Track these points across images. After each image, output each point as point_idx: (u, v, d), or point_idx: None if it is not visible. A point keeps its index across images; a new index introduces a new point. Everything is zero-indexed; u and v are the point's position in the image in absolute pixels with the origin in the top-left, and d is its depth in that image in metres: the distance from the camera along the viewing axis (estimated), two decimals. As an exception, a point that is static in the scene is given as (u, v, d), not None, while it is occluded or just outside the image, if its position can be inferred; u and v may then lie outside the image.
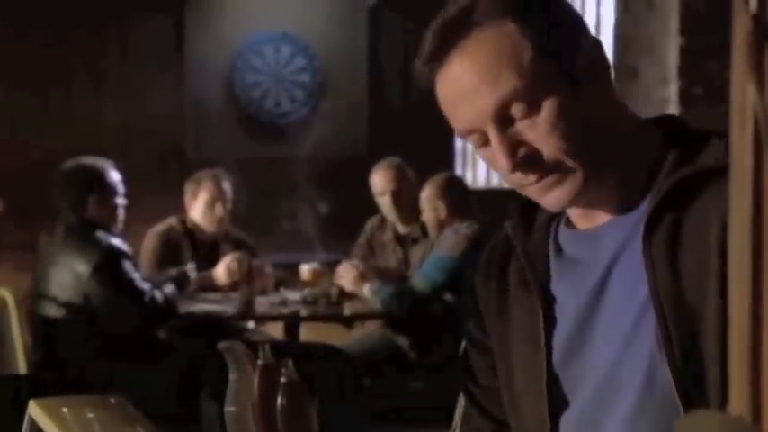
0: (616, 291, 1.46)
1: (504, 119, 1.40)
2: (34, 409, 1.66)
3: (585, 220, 1.51)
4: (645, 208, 1.43)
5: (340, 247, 6.01)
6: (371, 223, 5.39)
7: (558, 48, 1.41)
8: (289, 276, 5.40)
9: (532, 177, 1.42)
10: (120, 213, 4.65)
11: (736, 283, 0.74)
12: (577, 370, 1.50)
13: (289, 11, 6.86)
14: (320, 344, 5.03)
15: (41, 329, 4.57)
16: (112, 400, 1.70)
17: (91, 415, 1.62)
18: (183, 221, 5.29)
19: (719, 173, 1.33)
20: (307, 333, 5.37)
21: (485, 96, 1.40)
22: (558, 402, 1.52)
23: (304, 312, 4.92)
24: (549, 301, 1.53)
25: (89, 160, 4.67)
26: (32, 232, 4.97)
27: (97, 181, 4.57)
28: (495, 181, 7.15)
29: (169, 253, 5.17)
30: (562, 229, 1.55)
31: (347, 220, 6.57)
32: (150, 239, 5.21)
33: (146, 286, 4.53)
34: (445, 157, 7.00)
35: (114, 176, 4.64)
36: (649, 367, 1.41)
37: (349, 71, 6.92)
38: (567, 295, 1.52)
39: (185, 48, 6.65)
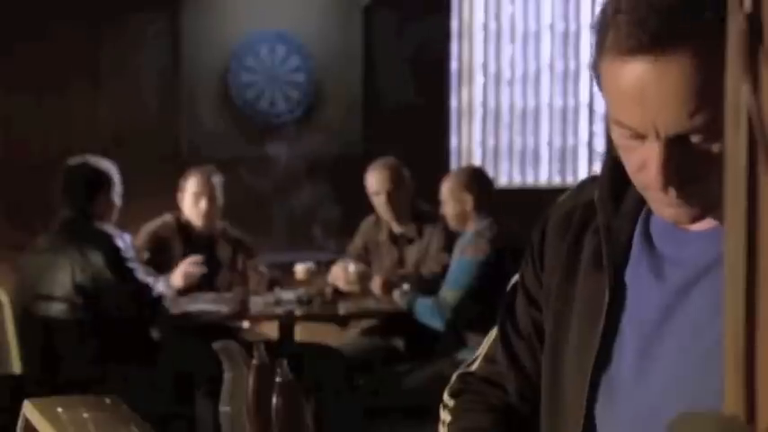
0: (700, 304, 1.38)
1: (677, 140, 1.30)
2: (29, 409, 1.66)
3: None
4: None
5: (335, 246, 6.00)
6: (367, 223, 5.39)
7: None
8: (284, 276, 5.39)
9: (673, 193, 1.33)
10: (115, 211, 4.72)
11: (731, 285, 0.74)
12: (640, 375, 1.42)
13: (284, 10, 6.85)
14: (315, 343, 5.04)
15: (37, 330, 4.57)
16: (107, 400, 1.70)
17: (86, 415, 1.62)
18: (178, 219, 5.29)
19: None
20: (301, 333, 5.37)
21: (673, 118, 1.28)
22: (601, 397, 1.45)
23: (299, 312, 4.92)
24: (619, 287, 1.45)
25: (92, 159, 4.74)
26: (28, 232, 4.97)
27: (99, 180, 4.64)
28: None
29: (158, 249, 5.16)
30: (656, 218, 1.45)
31: (343, 219, 6.57)
32: (142, 237, 5.20)
33: (150, 280, 4.61)
34: (441, 157, 7.00)
35: (114, 176, 4.74)
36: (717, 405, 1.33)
37: (344, 71, 6.91)
38: (646, 288, 1.44)
39: (180, 47, 6.64)
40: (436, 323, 4.67)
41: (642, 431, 1.41)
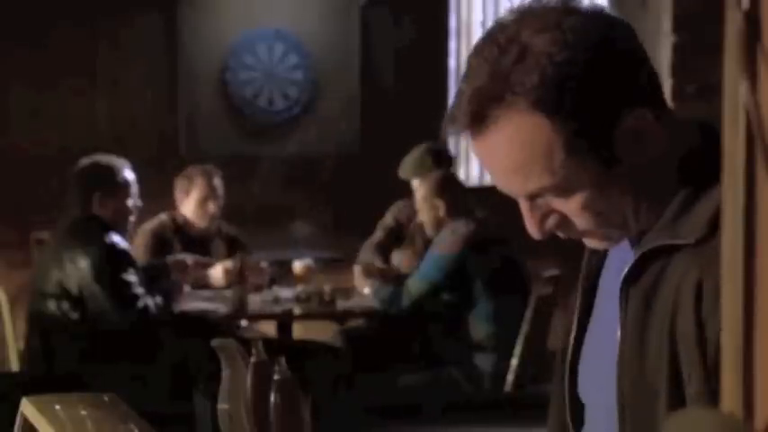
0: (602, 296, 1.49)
1: (534, 196, 1.37)
2: (27, 407, 1.66)
3: None
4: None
5: (334, 244, 6.00)
6: (398, 206, 5.40)
7: (594, 139, 1.32)
8: (282, 274, 5.39)
9: (562, 234, 1.41)
10: (130, 214, 4.55)
11: (729, 283, 0.74)
12: (584, 385, 1.52)
13: (282, 8, 6.85)
14: (313, 341, 5.04)
15: (37, 327, 4.56)
16: (105, 398, 1.70)
17: (84, 413, 1.62)
18: (174, 218, 5.26)
19: (691, 246, 1.30)
20: (300, 330, 5.38)
21: (515, 184, 1.36)
22: (578, 407, 1.53)
23: (297, 310, 4.91)
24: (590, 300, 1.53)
25: (103, 158, 4.60)
26: (24, 230, 4.96)
27: (104, 179, 4.48)
28: (489, 178, 7.15)
29: (160, 250, 5.15)
30: None
31: (340, 217, 6.57)
32: (141, 237, 5.18)
33: (140, 291, 4.48)
34: (438, 155, 6.99)
35: (126, 176, 4.53)
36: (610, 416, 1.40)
37: (342, 68, 6.91)
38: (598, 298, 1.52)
39: (178, 46, 6.64)
40: (393, 309, 4.70)
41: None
